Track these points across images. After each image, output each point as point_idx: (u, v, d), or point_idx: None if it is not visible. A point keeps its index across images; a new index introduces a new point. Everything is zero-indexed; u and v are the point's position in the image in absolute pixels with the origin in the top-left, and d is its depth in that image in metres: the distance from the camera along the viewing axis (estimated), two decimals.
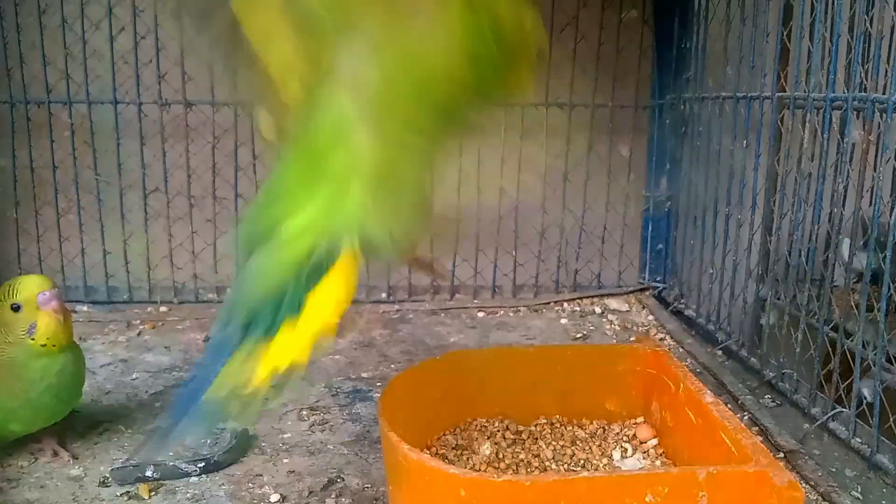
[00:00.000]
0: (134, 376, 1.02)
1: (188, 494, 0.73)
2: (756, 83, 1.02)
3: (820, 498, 0.74)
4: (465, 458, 0.71)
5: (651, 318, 1.31)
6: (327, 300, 0.47)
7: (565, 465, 0.70)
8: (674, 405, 0.71)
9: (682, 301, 1.31)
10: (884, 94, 0.78)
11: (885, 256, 0.76)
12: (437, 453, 0.71)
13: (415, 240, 0.62)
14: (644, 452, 0.72)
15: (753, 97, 1.01)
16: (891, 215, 0.75)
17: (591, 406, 0.79)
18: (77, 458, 0.79)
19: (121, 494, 0.73)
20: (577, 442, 0.74)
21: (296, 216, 0.49)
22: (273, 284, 0.49)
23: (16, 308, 0.73)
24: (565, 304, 1.36)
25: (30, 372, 0.74)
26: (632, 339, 1.18)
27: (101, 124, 1.30)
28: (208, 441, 0.84)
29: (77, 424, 0.87)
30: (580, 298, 1.38)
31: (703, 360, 1.08)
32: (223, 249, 1.34)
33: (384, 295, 1.39)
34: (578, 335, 1.21)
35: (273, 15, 0.52)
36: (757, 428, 0.88)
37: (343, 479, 0.77)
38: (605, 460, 0.71)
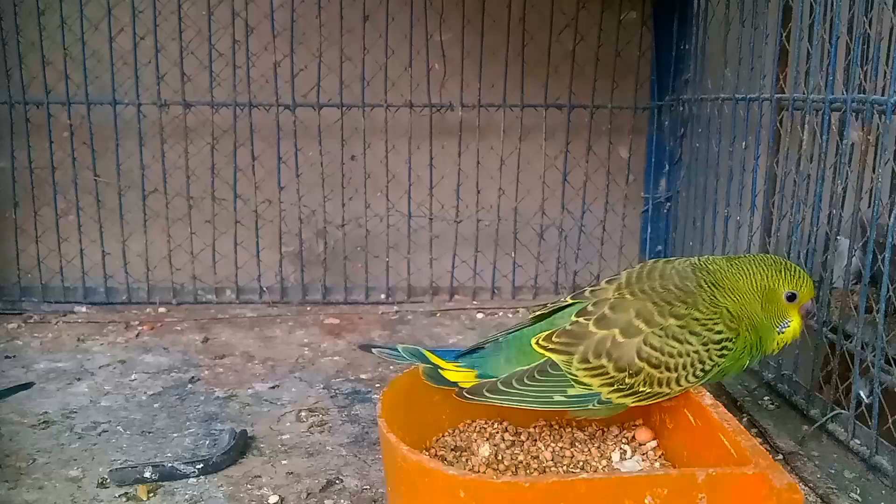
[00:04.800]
0: (133, 377, 1.02)
1: (187, 496, 0.73)
2: (755, 85, 1.02)
3: (819, 500, 0.74)
4: (464, 459, 0.71)
5: None
6: None
7: (564, 467, 0.70)
8: (673, 407, 0.71)
9: None
10: (883, 95, 0.78)
11: (884, 258, 0.76)
12: (436, 455, 0.71)
13: None
14: (643, 454, 0.72)
15: (752, 99, 1.01)
16: (890, 216, 0.75)
17: None
18: None
19: (119, 496, 0.73)
20: (577, 444, 0.74)
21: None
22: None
23: None
24: None
25: None
26: None
27: (100, 125, 1.30)
28: (207, 442, 0.84)
29: (76, 425, 0.87)
30: None
31: None
32: (222, 250, 1.35)
33: (383, 296, 1.39)
34: None
35: None
36: (756, 430, 0.88)
37: (342, 481, 0.77)
38: (604, 462, 0.71)
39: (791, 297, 0.71)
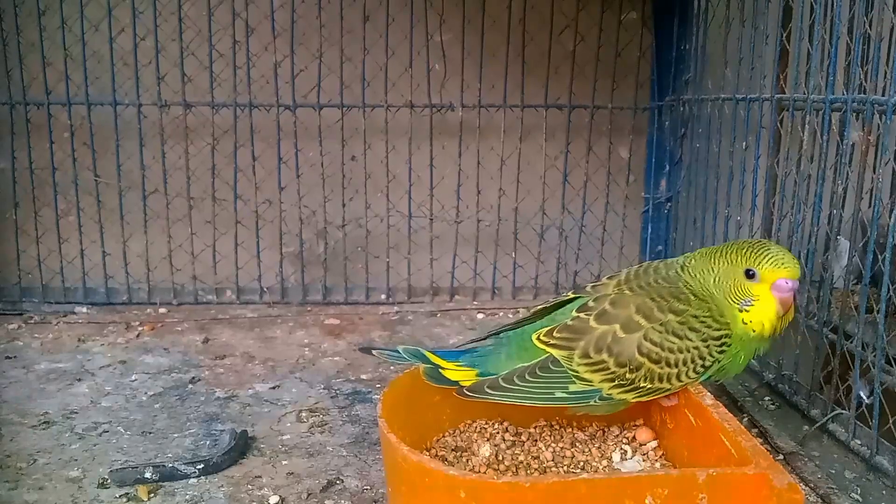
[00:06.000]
0: (133, 378, 1.02)
1: (187, 496, 0.73)
2: (755, 85, 1.02)
3: (820, 500, 0.74)
4: (464, 459, 0.71)
5: None
6: None
7: (565, 467, 0.70)
8: (673, 407, 0.71)
9: None
10: (883, 95, 0.78)
11: (884, 258, 0.76)
12: (436, 455, 0.71)
13: None
14: (644, 454, 0.72)
15: (753, 99, 1.01)
16: (890, 217, 0.75)
17: None
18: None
19: (120, 496, 0.73)
20: (577, 444, 0.74)
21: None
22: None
23: None
24: None
25: None
26: None
27: (100, 126, 1.30)
28: (207, 442, 0.84)
29: (76, 426, 0.88)
30: None
31: None
32: (222, 251, 1.35)
33: (383, 297, 1.39)
34: None
35: None
36: (756, 430, 0.88)
37: (342, 481, 0.77)
38: (604, 462, 0.71)
39: (751, 274, 0.69)
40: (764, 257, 0.69)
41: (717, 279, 0.70)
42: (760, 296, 0.69)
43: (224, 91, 1.31)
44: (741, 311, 0.69)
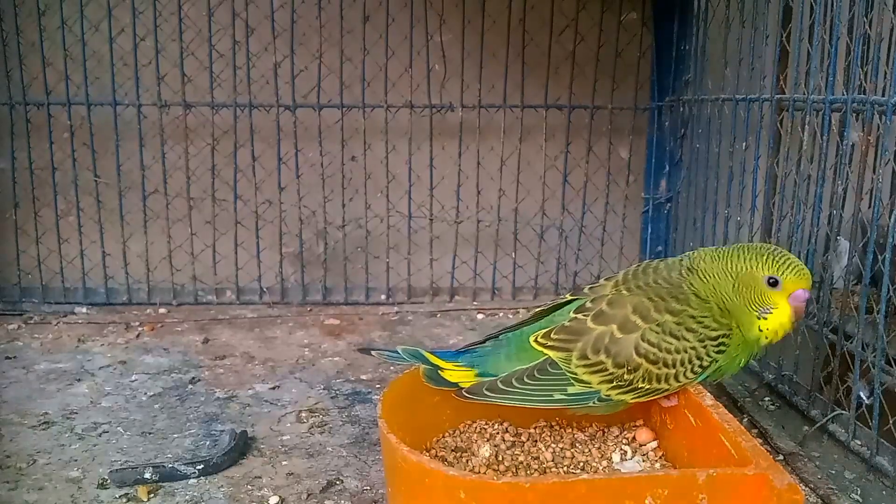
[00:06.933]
0: (133, 378, 1.02)
1: (187, 496, 0.73)
2: (755, 85, 1.02)
3: (820, 501, 0.74)
4: (464, 460, 0.71)
5: None
6: None
7: (565, 468, 0.70)
8: (673, 408, 0.71)
9: None
10: (883, 95, 0.78)
11: (884, 258, 0.76)
12: (436, 455, 0.71)
13: None
14: (643, 455, 0.72)
15: (753, 99, 1.01)
16: (890, 217, 0.75)
17: None
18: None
19: (119, 496, 0.73)
20: (577, 444, 0.74)
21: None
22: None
23: None
24: None
25: None
26: None
27: (100, 126, 1.30)
28: (207, 443, 0.84)
29: (76, 426, 0.87)
30: None
31: None
32: (222, 251, 1.35)
33: (383, 297, 1.39)
34: None
35: None
36: (756, 430, 0.88)
37: (342, 481, 0.77)
38: (604, 463, 0.71)
39: (773, 282, 0.68)
40: (787, 267, 0.68)
41: (736, 285, 0.69)
42: (778, 304, 0.69)
43: (224, 91, 1.31)
44: (759, 318, 0.69)
